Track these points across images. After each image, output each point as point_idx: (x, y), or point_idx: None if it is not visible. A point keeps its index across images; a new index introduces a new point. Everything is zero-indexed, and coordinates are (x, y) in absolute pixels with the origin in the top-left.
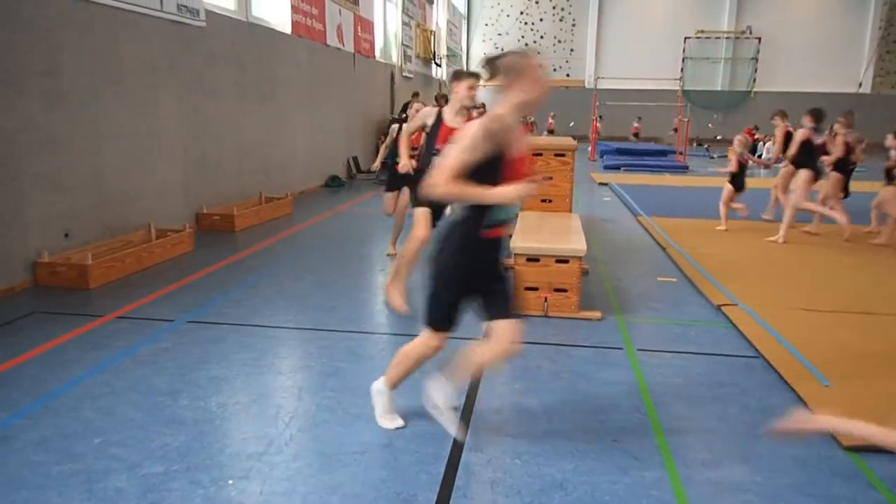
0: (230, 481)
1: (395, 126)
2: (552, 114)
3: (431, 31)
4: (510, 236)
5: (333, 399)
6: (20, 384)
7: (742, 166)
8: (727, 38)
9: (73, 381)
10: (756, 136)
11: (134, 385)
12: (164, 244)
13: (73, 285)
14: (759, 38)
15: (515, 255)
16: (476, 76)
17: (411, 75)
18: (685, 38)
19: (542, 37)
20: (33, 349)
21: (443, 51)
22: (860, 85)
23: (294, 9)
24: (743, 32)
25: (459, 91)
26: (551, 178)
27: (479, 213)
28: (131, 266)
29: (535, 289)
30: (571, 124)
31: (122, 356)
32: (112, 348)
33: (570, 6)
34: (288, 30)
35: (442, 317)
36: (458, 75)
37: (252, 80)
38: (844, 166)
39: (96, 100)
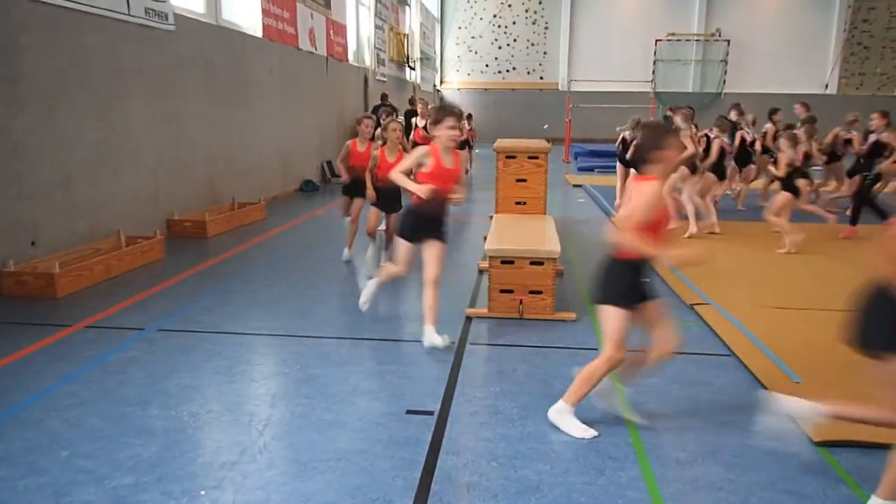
0: (202, 491)
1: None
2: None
3: (405, 35)
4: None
5: (307, 406)
6: None
7: None
8: (697, 40)
9: (39, 392)
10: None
11: (102, 395)
12: (134, 251)
13: (40, 295)
14: (728, 41)
15: (490, 257)
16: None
17: (385, 78)
18: (656, 40)
19: (515, 40)
20: None
21: (416, 54)
22: (826, 86)
23: (265, 12)
24: (712, 35)
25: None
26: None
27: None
28: (100, 274)
29: (510, 291)
30: (545, 126)
31: (90, 366)
32: (80, 358)
33: (543, 9)
34: (259, 33)
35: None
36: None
37: (223, 85)
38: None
39: (62, 105)
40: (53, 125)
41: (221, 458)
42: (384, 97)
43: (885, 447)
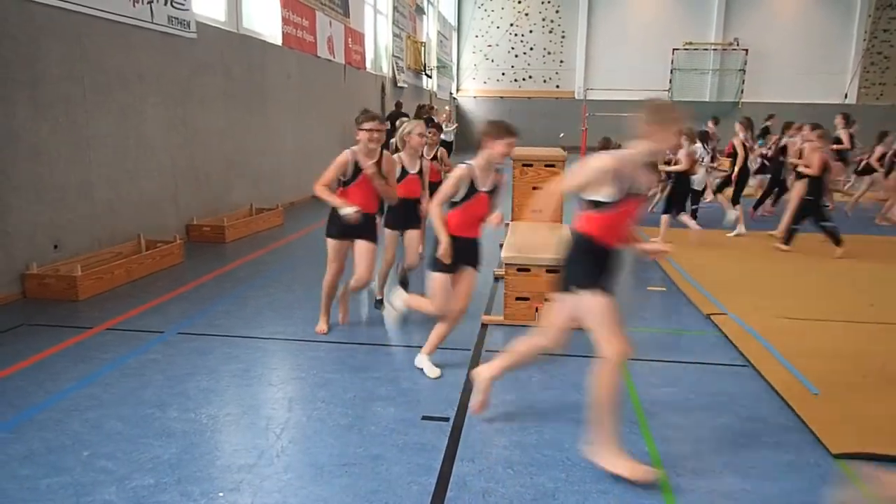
0: (221, 493)
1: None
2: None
3: (422, 43)
4: None
5: (324, 410)
6: (6, 397)
7: None
8: (714, 49)
9: (60, 393)
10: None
11: (122, 397)
12: (154, 255)
13: (62, 297)
14: (746, 50)
15: (506, 265)
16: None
17: (404, 85)
18: (673, 49)
19: (531, 48)
20: (21, 362)
21: (433, 62)
22: (846, 96)
23: (285, 21)
24: (730, 44)
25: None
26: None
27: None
28: (120, 278)
29: (526, 299)
30: (561, 135)
31: (110, 368)
32: (100, 360)
33: (560, 18)
34: (279, 41)
35: None
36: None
37: (243, 91)
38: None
39: (83, 110)
40: (74, 130)
41: (239, 460)
42: (398, 105)
43: None
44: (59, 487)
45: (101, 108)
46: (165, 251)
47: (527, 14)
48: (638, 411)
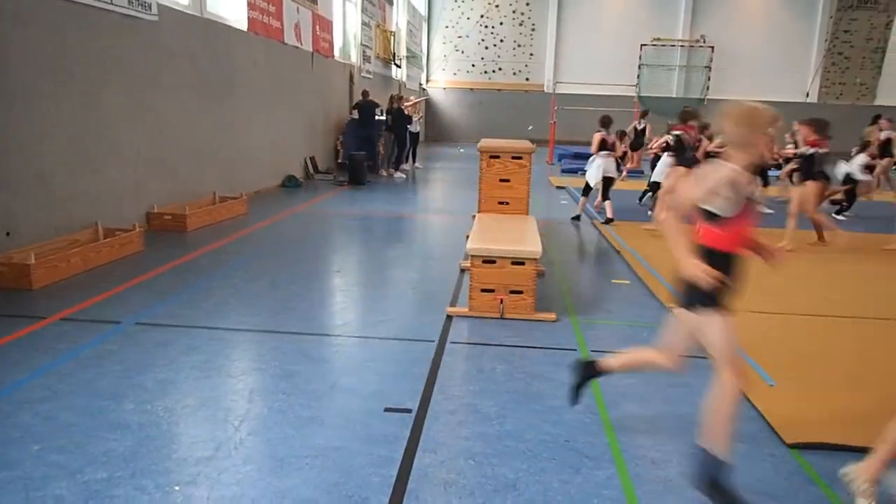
0: (177, 487)
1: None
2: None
3: (391, 32)
4: None
5: (285, 402)
6: None
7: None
8: (682, 46)
9: (12, 385)
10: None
11: (77, 389)
12: (112, 244)
13: (15, 286)
14: (713, 47)
15: (471, 256)
16: None
17: (371, 75)
18: (641, 45)
19: (501, 40)
20: None
21: (402, 52)
22: (807, 94)
23: (250, 5)
24: (697, 41)
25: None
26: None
27: None
28: (77, 266)
29: (491, 290)
30: (530, 128)
31: (64, 359)
32: (54, 351)
33: (530, 11)
34: (244, 27)
35: None
36: None
37: (207, 78)
38: None
39: (41, 94)
40: (31, 114)
41: (196, 453)
42: (365, 94)
43: (855, 450)
44: (8, 482)
45: (61, 92)
46: (124, 239)
47: (497, 6)
48: (600, 402)
